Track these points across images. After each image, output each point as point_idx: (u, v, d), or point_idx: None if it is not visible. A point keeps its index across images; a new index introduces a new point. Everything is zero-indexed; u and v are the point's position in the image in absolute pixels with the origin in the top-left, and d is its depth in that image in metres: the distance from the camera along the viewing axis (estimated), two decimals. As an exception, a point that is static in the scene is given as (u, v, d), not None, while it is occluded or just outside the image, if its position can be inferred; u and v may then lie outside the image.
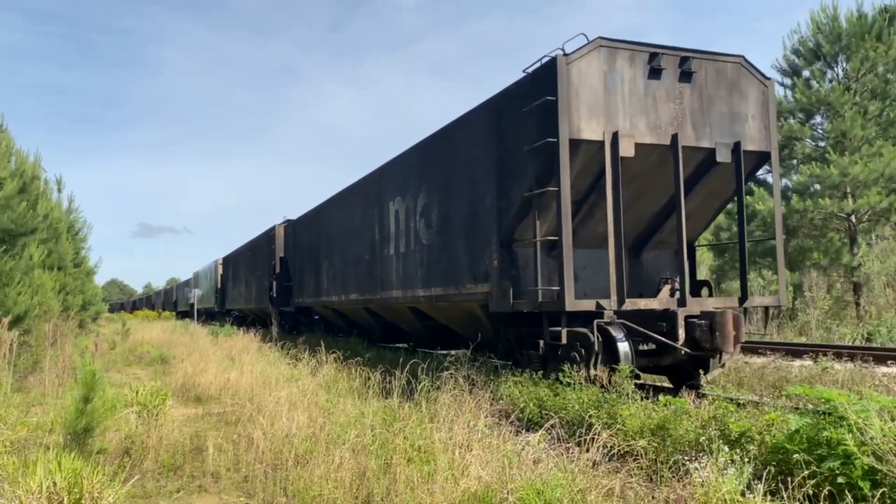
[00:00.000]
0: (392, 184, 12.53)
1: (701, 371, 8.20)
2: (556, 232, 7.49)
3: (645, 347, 7.88)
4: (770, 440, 4.41)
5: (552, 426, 5.45)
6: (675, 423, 5.00)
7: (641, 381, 8.58)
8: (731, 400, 6.28)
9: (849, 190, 20.59)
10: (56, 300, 12.15)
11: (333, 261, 16.41)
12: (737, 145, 8.26)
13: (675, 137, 7.88)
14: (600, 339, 7.27)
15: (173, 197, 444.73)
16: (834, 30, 21.64)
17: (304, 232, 20.11)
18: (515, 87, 8.39)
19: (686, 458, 4.44)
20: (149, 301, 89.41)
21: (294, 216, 21.87)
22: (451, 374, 6.49)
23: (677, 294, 8.15)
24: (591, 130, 7.52)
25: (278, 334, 18.64)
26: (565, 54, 7.51)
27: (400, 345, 15.35)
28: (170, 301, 63.64)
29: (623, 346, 7.20)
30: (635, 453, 4.93)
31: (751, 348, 12.79)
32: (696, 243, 9.66)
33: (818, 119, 22.50)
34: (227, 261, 34.80)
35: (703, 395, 7.64)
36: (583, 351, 7.35)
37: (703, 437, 4.63)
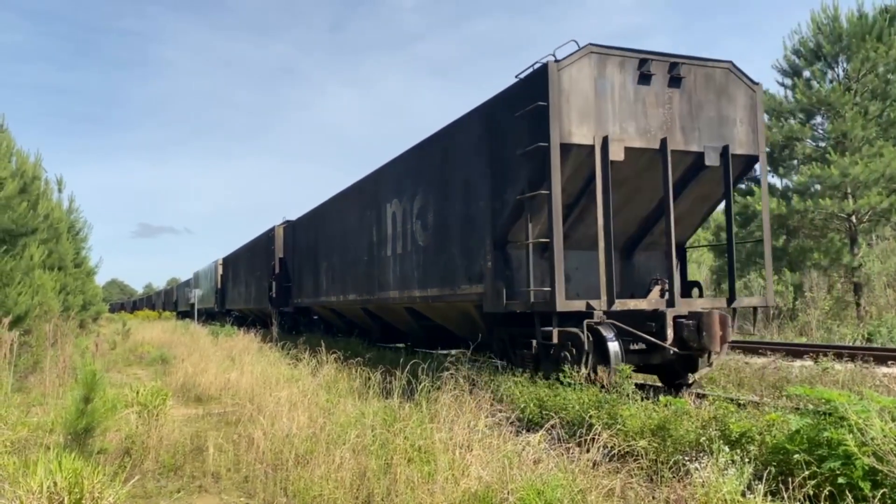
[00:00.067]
0: (389, 186, 12.58)
1: (689, 370, 8.31)
2: (548, 234, 7.56)
3: (635, 347, 7.97)
4: (770, 440, 4.41)
5: (552, 426, 5.45)
6: (675, 423, 5.01)
7: (642, 381, 8.63)
8: (732, 400, 6.28)
9: (849, 190, 20.60)
10: (56, 300, 12.16)
11: (332, 262, 16.44)
12: (725, 149, 8.33)
13: (664, 142, 7.95)
14: (591, 338, 7.36)
15: (173, 197, 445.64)
16: (834, 30, 21.64)
17: (303, 233, 20.12)
18: (508, 92, 8.46)
19: (686, 458, 4.44)
20: (149, 301, 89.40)
21: (294, 217, 21.93)
22: (451, 374, 6.50)
23: (667, 295, 8.20)
24: (581, 135, 7.58)
25: (279, 334, 18.63)
26: (556, 60, 7.59)
27: (398, 345, 15.38)
28: (170, 301, 63.67)
29: (613, 346, 7.28)
30: (636, 453, 4.93)
31: (751, 348, 12.79)
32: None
33: (819, 119, 22.50)
34: (227, 261, 34.82)
35: (704, 396, 7.65)
36: (574, 350, 7.44)
37: (704, 438, 4.63)
